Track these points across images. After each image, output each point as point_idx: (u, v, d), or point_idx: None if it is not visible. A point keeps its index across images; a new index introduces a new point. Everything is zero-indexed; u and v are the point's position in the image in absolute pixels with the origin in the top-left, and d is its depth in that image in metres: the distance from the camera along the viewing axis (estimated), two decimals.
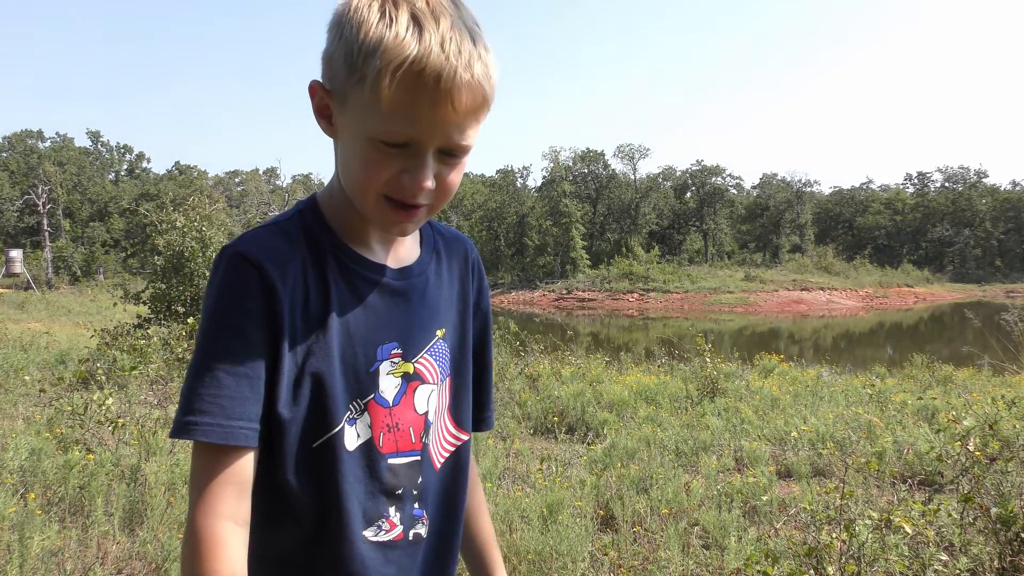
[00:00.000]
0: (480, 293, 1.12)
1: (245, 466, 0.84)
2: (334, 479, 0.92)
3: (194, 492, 0.82)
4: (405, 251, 1.01)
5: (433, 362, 1.02)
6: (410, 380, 0.99)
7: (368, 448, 0.95)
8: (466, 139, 0.87)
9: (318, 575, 0.94)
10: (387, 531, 0.97)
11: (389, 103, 0.81)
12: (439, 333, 1.03)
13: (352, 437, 0.94)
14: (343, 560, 0.94)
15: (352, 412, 0.93)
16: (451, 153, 0.88)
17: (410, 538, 1.00)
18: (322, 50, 0.89)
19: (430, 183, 0.87)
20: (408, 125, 0.83)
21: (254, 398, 0.85)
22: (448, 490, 1.05)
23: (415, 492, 1.00)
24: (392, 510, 0.98)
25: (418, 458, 1.00)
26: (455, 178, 0.91)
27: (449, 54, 0.81)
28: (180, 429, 0.83)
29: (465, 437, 1.08)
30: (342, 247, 0.94)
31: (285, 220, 0.94)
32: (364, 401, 0.94)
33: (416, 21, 0.81)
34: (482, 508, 1.21)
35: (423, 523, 1.02)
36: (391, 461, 0.97)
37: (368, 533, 0.96)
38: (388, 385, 0.96)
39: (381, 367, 0.95)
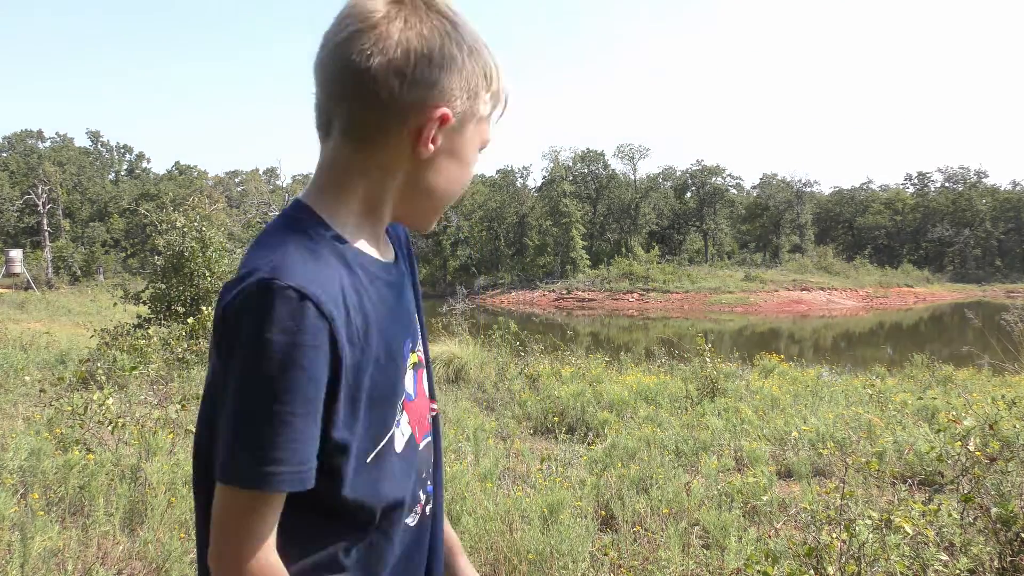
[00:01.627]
0: (413, 262, 1.15)
1: (280, 506, 0.84)
2: (388, 484, 0.95)
3: (233, 537, 0.81)
4: (384, 244, 1.03)
5: (422, 344, 1.09)
6: (417, 368, 1.04)
7: (411, 444, 0.99)
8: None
9: (372, 572, 0.96)
10: (418, 514, 1.03)
11: (494, 117, 0.98)
12: (419, 317, 1.10)
13: (400, 439, 0.97)
14: (391, 552, 0.98)
15: (396, 415, 0.96)
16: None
17: (427, 513, 1.06)
18: (442, 70, 0.89)
19: None
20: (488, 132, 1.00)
21: (317, 436, 0.83)
22: (438, 459, 1.12)
23: (428, 471, 1.07)
24: (421, 493, 1.04)
25: (431, 439, 1.08)
26: None
27: (501, 68, 0.97)
28: (261, 480, 0.79)
29: (436, 406, 1.13)
30: (354, 251, 0.93)
31: (302, 236, 0.89)
32: (401, 402, 0.97)
33: (494, 57, 0.96)
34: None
35: (431, 499, 1.08)
36: (420, 447, 1.03)
37: (409, 520, 1.01)
38: (409, 379, 1.00)
39: (408, 364, 0.99)
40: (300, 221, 0.91)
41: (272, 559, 0.83)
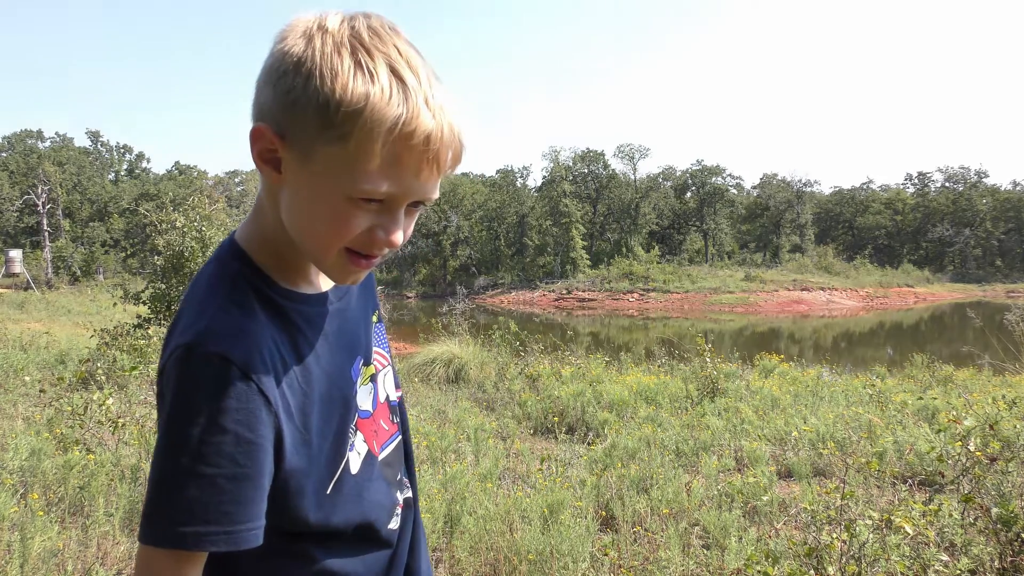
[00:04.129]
0: None
1: (203, 561, 0.83)
2: (353, 507, 0.96)
3: None
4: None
5: (379, 348, 1.09)
6: (374, 379, 1.05)
7: (368, 460, 1.00)
8: (437, 192, 0.85)
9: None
10: (399, 516, 1.06)
11: (378, 164, 0.78)
12: (374, 318, 1.09)
13: (355, 460, 0.97)
14: (375, 553, 1.01)
15: (350, 439, 0.96)
16: (419, 204, 0.86)
17: (408, 506, 1.09)
18: (266, 90, 0.82)
19: (401, 237, 0.85)
20: (394, 184, 0.80)
21: (258, 496, 0.82)
22: (406, 442, 1.13)
23: (401, 468, 1.09)
24: (397, 494, 1.06)
25: (399, 438, 1.09)
26: (411, 228, 0.89)
27: (435, 112, 0.79)
28: (188, 540, 0.78)
29: (400, 392, 1.14)
30: (289, 294, 0.91)
31: (229, 288, 0.87)
32: (354, 424, 0.97)
33: (397, 75, 0.78)
34: None
35: (406, 485, 1.11)
36: (383, 456, 1.03)
37: (392, 525, 1.03)
38: (363, 396, 1.00)
39: (357, 387, 0.99)
40: (228, 268, 0.89)
41: None
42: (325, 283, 0.98)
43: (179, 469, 0.78)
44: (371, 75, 0.77)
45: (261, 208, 0.91)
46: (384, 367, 1.09)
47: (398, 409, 1.12)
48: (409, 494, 1.10)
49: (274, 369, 0.84)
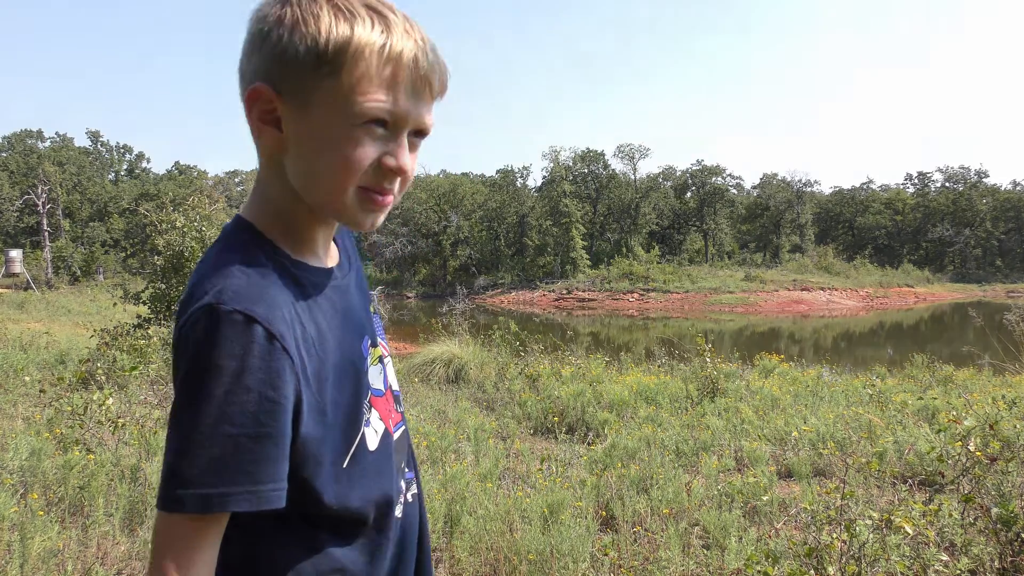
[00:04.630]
0: (356, 257, 1.14)
1: (224, 527, 0.82)
2: (370, 483, 0.95)
3: (173, 559, 0.78)
4: (327, 247, 1.01)
5: (380, 337, 1.09)
6: (382, 360, 1.05)
7: (385, 438, 0.99)
8: (432, 118, 0.89)
9: (373, 571, 0.97)
10: (403, 504, 1.04)
11: (374, 84, 0.82)
12: (371, 309, 1.10)
13: (372, 437, 0.97)
14: (387, 548, 0.99)
15: (365, 414, 0.96)
16: (420, 135, 0.89)
17: (410, 499, 1.07)
18: (253, 58, 0.85)
19: (410, 164, 0.88)
20: (392, 101, 0.83)
21: (280, 456, 0.81)
22: (410, 441, 1.14)
23: (406, 458, 1.09)
24: (403, 482, 1.05)
25: (405, 426, 1.09)
26: (415, 165, 0.91)
27: (416, 40, 0.84)
28: (213, 503, 0.77)
29: (398, 390, 1.14)
30: (302, 266, 0.92)
31: (243, 254, 0.87)
32: (367, 400, 0.97)
33: (374, 11, 0.83)
34: None
35: (414, 483, 1.10)
36: (395, 439, 1.04)
37: (397, 512, 1.01)
38: (374, 375, 1.01)
39: (368, 363, 0.99)
40: (238, 239, 0.90)
41: None
42: (330, 260, 0.99)
43: (202, 430, 0.77)
44: (351, 13, 0.82)
45: (262, 183, 0.92)
46: (388, 355, 1.10)
47: (400, 401, 1.13)
48: (415, 489, 1.10)
49: (294, 331, 0.84)
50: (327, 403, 0.88)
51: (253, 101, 0.85)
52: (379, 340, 1.06)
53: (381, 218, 0.90)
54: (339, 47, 0.80)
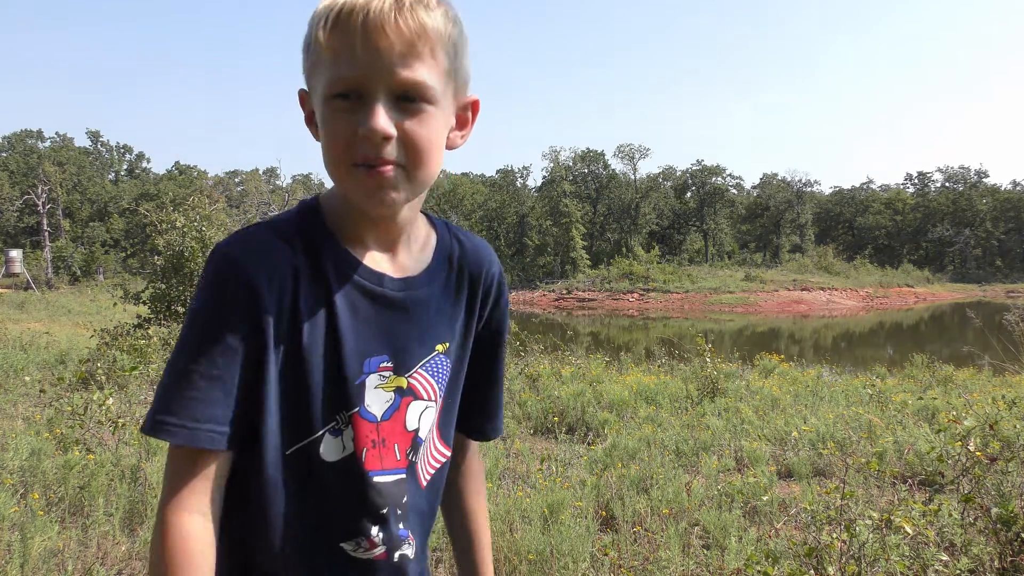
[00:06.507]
0: (496, 308, 1.06)
1: (216, 467, 0.84)
2: (309, 488, 0.91)
3: (165, 487, 0.83)
4: (411, 260, 0.97)
5: (429, 378, 0.98)
6: (403, 395, 0.96)
7: (350, 462, 0.92)
8: (415, 73, 0.81)
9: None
10: (367, 549, 0.94)
11: (328, 53, 0.82)
12: (439, 348, 0.99)
13: (333, 448, 0.91)
14: (320, 573, 0.93)
15: (337, 423, 0.91)
16: (406, 97, 0.82)
17: (395, 559, 0.96)
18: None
19: (383, 125, 0.81)
20: (349, 67, 0.81)
21: (225, 401, 0.83)
22: (432, 508, 1.03)
23: (399, 512, 0.96)
24: (375, 530, 0.94)
25: (403, 476, 0.96)
26: (420, 129, 0.84)
27: None
28: (152, 427, 0.83)
29: (449, 454, 1.05)
30: (340, 251, 0.91)
31: (283, 221, 0.91)
32: (348, 414, 0.91)
33: None
34: (485, 513, 1.18)
35: (409, 544, 0.98)
36: (376, 479, 0.93)
37: (347, 547, 0.94)
38: (376, 399, 0.93)
39: (368, 380, 0.92)
40: (296, 208, 0.94)
41: (185, 522, 0.81)
42: (394, 270, 0.95)
43: (170, 361, 0.85)
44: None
45: None
46: (426, 400, 0.98)
47: (419, 451, 0.98)
48: (409, 552, 0.98)
49: (280, 294, 0.86)
50: (287, 380, 0.88)
51: (301, 106, 0.91)
52: (416, 376, 0.97)
53: (392, 195, 0.85)
54: (309, 34, 0.85)
